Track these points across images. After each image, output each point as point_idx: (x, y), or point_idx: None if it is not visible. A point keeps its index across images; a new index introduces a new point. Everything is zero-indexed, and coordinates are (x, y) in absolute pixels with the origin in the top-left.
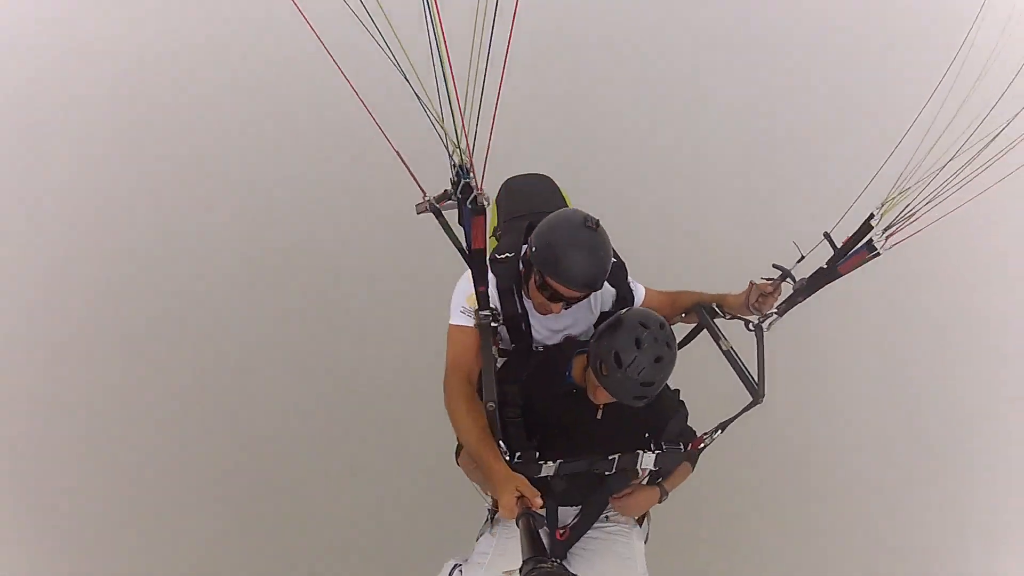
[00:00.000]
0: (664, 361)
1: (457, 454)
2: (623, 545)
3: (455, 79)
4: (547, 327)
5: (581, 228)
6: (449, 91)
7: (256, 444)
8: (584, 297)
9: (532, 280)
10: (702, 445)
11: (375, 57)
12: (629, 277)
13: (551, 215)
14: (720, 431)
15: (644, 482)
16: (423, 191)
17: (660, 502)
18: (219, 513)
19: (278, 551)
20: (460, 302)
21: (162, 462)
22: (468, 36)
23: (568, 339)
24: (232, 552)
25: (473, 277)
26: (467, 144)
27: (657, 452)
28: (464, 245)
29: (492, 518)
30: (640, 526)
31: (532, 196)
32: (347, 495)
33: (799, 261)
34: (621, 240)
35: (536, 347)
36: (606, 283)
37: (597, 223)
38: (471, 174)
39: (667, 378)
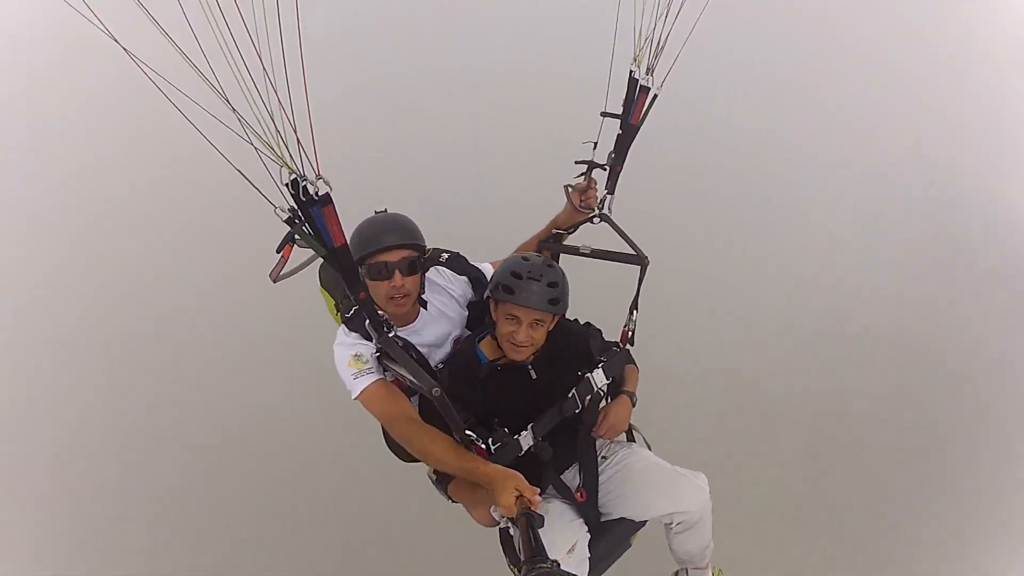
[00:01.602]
0: (555, 267)
1: (445, 490)
2: (636, 461)
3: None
4: (430, 343)
5: (372, 215)
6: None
7: (254, 445)
8: (398, 249)
9: (363, 282)
10: (630, 333)
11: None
12: (471, 261)
13: None
14: (635, 311)
15: (607, 400)
16: (272, 203)
17: (634, 405)
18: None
19: (278, 553)
20: (347, 371)
21: (160, 464)
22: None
23: (456, 340)
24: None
25: (344, 275)
26: (288, 152)
27: (600, 365)
28: (325, 250)
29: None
30: (634, 443)
31: None
32: (346, 502)
33: (595, 147)
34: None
35: (437, 366)
36: (452, 273)
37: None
38: (304, 175)
39: (567, 284)
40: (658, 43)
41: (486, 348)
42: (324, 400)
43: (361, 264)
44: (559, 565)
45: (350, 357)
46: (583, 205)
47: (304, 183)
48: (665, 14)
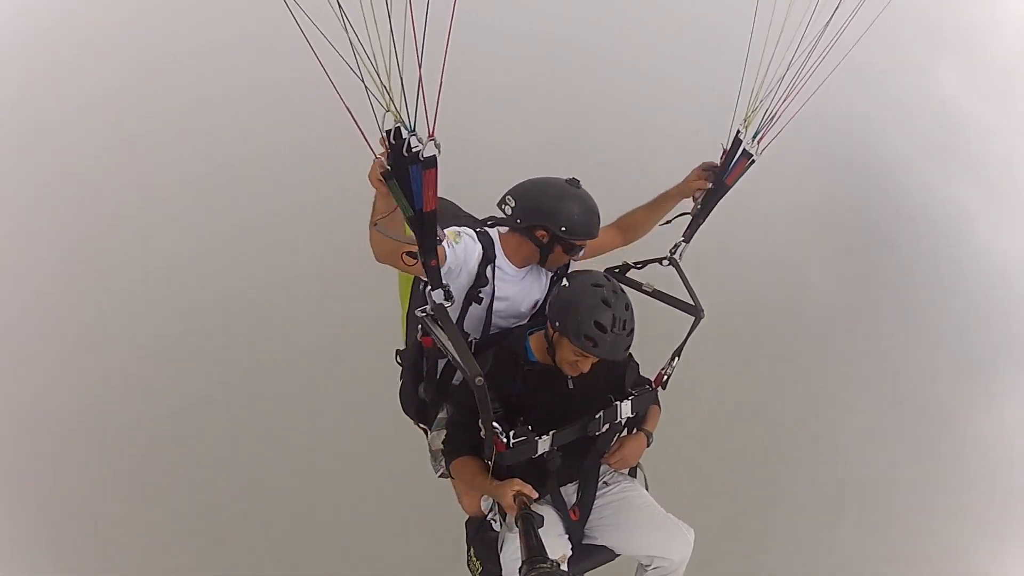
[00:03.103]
0: (630, 305)
1: (446, 465)
2: (636, 496)
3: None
4: (513, 296)
5: (578, 189)
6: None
7: (252, 444)
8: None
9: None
10: (665, 377)
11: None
12: None
13: (544, 186)
14: (677, 358)
15: (624, 433)
16: (370, 147)
17: (648, 446)
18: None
19: (276, 553)
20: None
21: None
22: None
23: (534, 304)
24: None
25: (420, 246)
26: (403, 101)
27: (631, 398)
28: (412, 210)
29: (504, 520)
30: (635, 478)
31: (443, 207)
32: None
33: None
34: None
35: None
36: None
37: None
38: (414, 126)
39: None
40: (772, 113)
41: (534, 344)
42: (333, 405)
43: (566, 238)
44: (558, 565)
45: (454, 231)
46: (698, 179)
47: (410, 137)
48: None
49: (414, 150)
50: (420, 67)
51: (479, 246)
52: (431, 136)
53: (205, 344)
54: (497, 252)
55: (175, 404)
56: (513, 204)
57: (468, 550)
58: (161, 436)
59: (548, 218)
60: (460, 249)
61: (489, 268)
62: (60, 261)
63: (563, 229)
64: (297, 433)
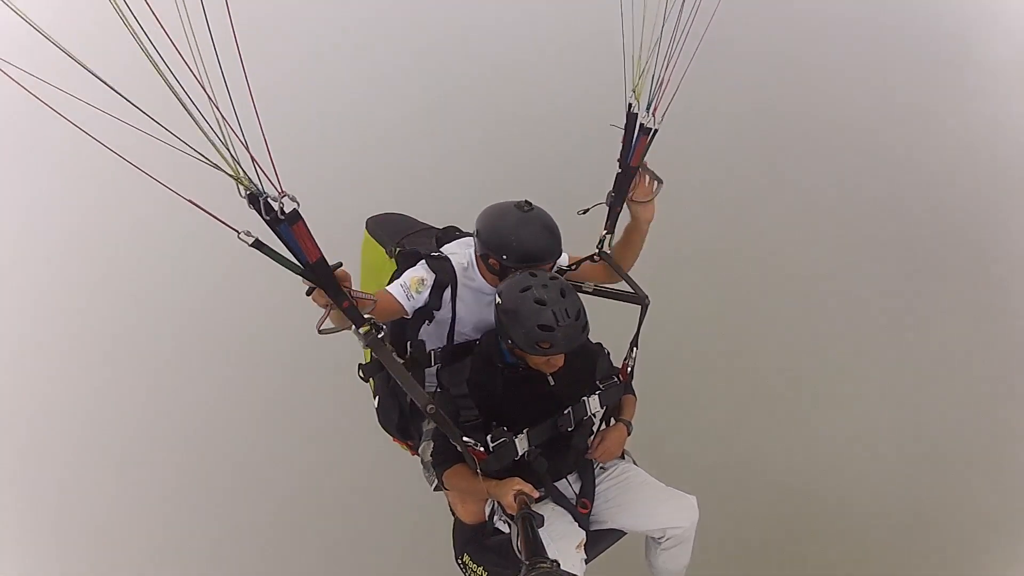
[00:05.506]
0: (566, 290)
1: (439, 476)
2: (636, 475)
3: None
4: (486, 312)
5: (530, 213)
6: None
7: (253, 443)
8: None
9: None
10: (629, 368)
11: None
12: None
13: (494, 214)
14: (635, 348)
15: (603, 426)
16: (233, 227)
17: (629, 435)
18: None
19: (277, 553)
20: (408, 278)
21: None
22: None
23: (487, 333)
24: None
25: (327, 292)
26: (242, 166)
27: (598, 392)
28: (300, 267)
29: (512, 520)
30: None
31: (400, 222)
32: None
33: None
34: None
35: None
36: None
37: (530, 204)
38: (264, 190)
39: (580, 301)
40: (659, 79)
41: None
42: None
43: (510, 266)
44: (559, 565)
45: (417, 278)
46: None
47: (264, 198)
48: (663, 45)
49: (275, 210)
50: (241, 132)
51: (432, 278)
52: (282, 193)
53: (203, 346)
54: (475, 273)
55: (174, 407)
56: (476, 232)
57: (460, 557)
58: (160, 439)
59: (494, 248)
60: (420, 299)
61: (448, 291)
62: (61, 264)
63: (504, 258)
64: (296, 436)
